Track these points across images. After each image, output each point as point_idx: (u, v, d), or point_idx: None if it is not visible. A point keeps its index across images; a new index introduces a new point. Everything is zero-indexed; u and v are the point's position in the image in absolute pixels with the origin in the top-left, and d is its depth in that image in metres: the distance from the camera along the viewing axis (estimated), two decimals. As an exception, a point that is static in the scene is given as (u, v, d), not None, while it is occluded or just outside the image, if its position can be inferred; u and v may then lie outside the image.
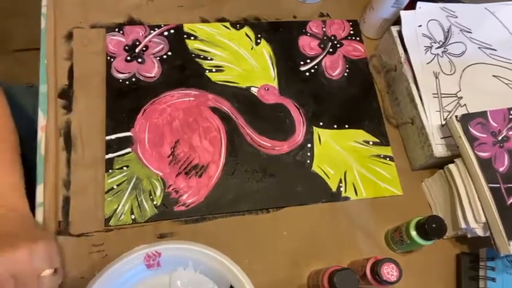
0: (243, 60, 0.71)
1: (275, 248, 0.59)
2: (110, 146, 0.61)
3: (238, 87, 0.69)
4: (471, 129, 0.57)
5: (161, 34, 0.70)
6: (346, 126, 0.68)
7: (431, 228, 0.53)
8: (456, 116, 0.57)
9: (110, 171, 0.60)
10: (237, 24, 0.74)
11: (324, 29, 0.76)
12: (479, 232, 0.56)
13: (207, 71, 0.69)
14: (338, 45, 0.75)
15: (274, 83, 0.70)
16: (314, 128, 0.67)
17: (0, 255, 0.43)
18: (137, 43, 0.69)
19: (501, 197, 0.54)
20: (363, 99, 0.71)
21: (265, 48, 0.72)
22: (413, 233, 0.55)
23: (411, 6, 0.68)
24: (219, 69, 0.69)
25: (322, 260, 0.58)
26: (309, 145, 0.66)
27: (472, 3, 0.71)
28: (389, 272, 0.50)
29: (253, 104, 0.68)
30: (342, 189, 0.64)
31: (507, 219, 0.52)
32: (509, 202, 0.53)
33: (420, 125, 0.62)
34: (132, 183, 0.59)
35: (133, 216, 0.58)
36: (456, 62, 0.67)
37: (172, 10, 0.73)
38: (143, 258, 0.50)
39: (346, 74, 0.73)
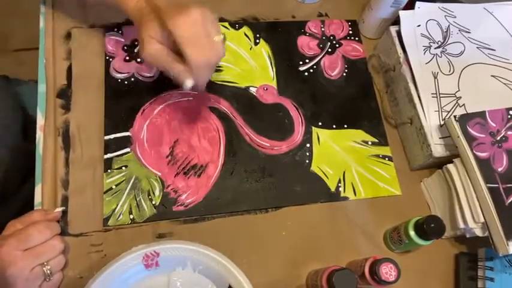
0: (241, 60, 0.71)
1: (274, 248, 0.59)
2: (109, 146, 0.61)
3: (237, 87, 0.69)
4: (470, 129, 0.57)
5: (160, 34, 0.70)
6: (345, 126, 0.68)
7: (430, 228, 0.53)
8: (455, 116, 0.57)
9: (109, 171, 0.60)
10: (235, 24, 0.74)
11: (322, 29, 0.76)
12: (478, 232, 0.56)
13: (205, 71, 0.69)
14: (337, 45, 0.75)
15: (273, 83, 0.70)
16: (313, 128, 0.67)
17: (177, 17, 0.47)
18: (136, 43, 0.69)
19: (499, 197, 0.54)
20: (361, 99, 0.71)
21: (264, 48, 0.72)
22: (412, 233, 0.55)
23: (410, 6, 0.68)
24: (217, 69, 0.69)
25: (320, 260, 0.58)
26: (308, 145, 0.66)
27: (470, 3, 0.71)
28: (387, 272, 0.50)
29: (252, 104, 0.68)
30: (341, 189, 0.64)
31: (505, 219, 0.52)
32: (508, 202, 0.54)
33: (419, 125, 0.62)
34: (130, 183, 0.59)
35: (132, 216, 0.58)
36: (455, 62, 0.67)
37: (171, 10, 0.73)
38: (142, 258, 0.50)
39: (345, 74, 0.73)
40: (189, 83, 0.50)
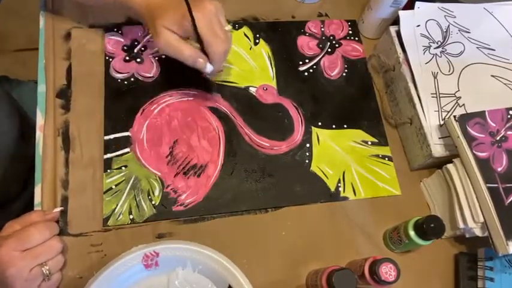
0: (241, 60, 0.71)
1: (274, 248, 0.59)
2: (109, 146, 0.61)
3: (237, 87, 0.69)
4: (469, 129, 0.57)
5: (160, 34, 0.70)
6: (345, 126, 0.68)
7: (429, 228, 0.53)
8: (454, 116, 0.57)
9: (109, 171, 0.60)
10: (235, 24, 0.74)
11: (322, 29, 0.76)
12: (478, 232, 0.56)
13: (205, 71, 0.69)
14: (337, 45, 0.75)
15: (273, 83, 0.70)
16: (313, 128, 0.67)
17: (196, 10, 0.51)
18: (136, 43, 0.69)
19: (499, 197, 0.54)
20: (361, 99, 0.71)
21: (263, 48, 0.72)
22: (412, 233, 0.55)
23: (410, 6, 0.68)
24: (217, 69, 0.69)
25: (320, 260, 0.58)
26: (308, 145, 0.66)
27: (470, 3, 0.71)
28: (387, 272, 0.50)
29: (252, 104, 0.68)
30: (341, 189, 0.64)
31: (505, 219, 0.52)
32: (507, 202, 0.54)
33: (419, 125, 0.62)
34: (130, 183, 0.59)
35: (131, 216, 0.58)
36: (455, 62, 0.67)
37: (171, 10, 0.73)
38: (141, 258, 0.50)
39: (344, 74, 0.73)
40: (209, 68, 0.56)
